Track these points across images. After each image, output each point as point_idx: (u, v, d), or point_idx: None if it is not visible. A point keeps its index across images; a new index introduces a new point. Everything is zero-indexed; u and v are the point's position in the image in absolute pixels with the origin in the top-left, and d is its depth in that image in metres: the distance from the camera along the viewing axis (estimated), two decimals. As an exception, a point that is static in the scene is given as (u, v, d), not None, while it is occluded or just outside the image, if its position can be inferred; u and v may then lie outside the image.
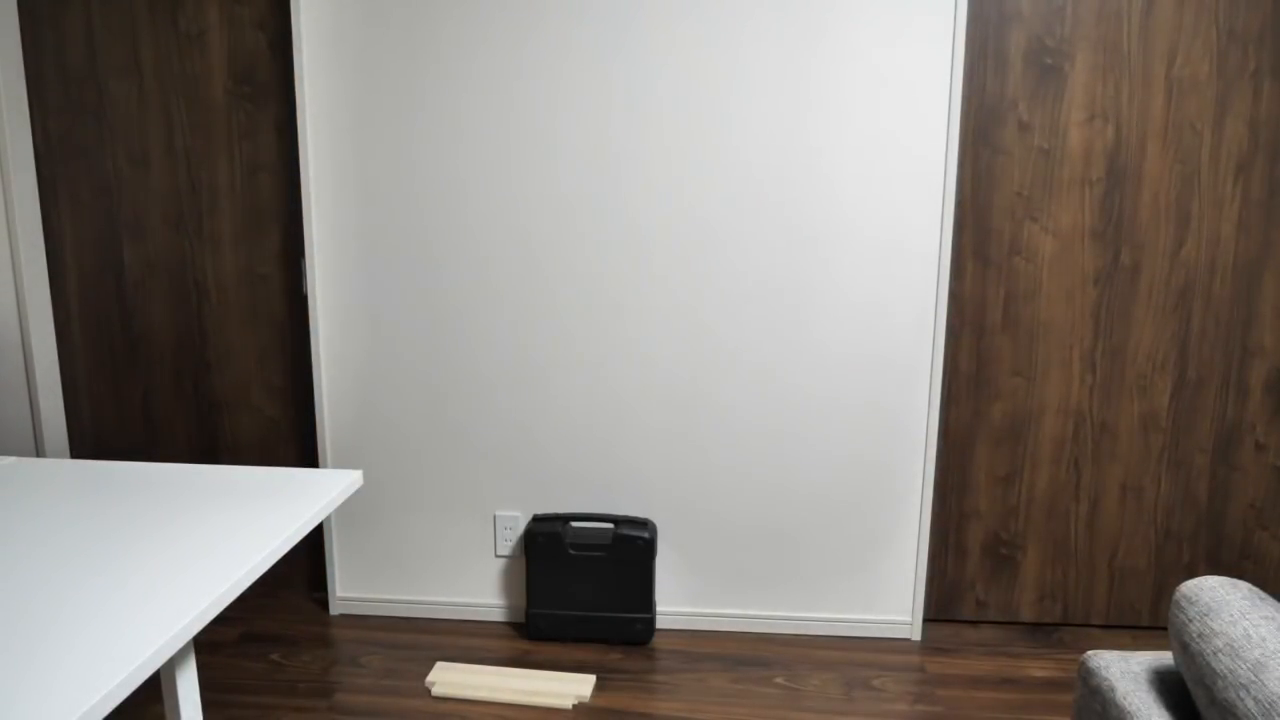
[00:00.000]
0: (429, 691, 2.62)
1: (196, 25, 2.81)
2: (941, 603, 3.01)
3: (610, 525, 2.88)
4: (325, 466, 2.98)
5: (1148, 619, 2.98)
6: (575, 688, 2.61)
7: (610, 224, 2.75)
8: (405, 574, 3.03)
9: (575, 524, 2.90)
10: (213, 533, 1.54)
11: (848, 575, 2.91)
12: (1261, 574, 2.93)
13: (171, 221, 2.94)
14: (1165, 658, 1.60)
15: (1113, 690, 1.53)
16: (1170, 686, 1.51)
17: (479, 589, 3.02)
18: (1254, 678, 1.23)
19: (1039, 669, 2.74)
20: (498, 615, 3.02)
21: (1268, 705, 1.20)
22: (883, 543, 2.88)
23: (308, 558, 3.14)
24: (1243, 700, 1.23)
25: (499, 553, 2.99)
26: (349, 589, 3.06)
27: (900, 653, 2.83)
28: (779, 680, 2.68)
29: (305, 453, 3.05)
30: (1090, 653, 1.64)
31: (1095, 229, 2.74)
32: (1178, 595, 1.45)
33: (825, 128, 2.65)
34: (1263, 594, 1.40)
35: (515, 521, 2.96)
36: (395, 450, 2.95)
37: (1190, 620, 1.39)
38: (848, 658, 2.80)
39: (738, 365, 2.80)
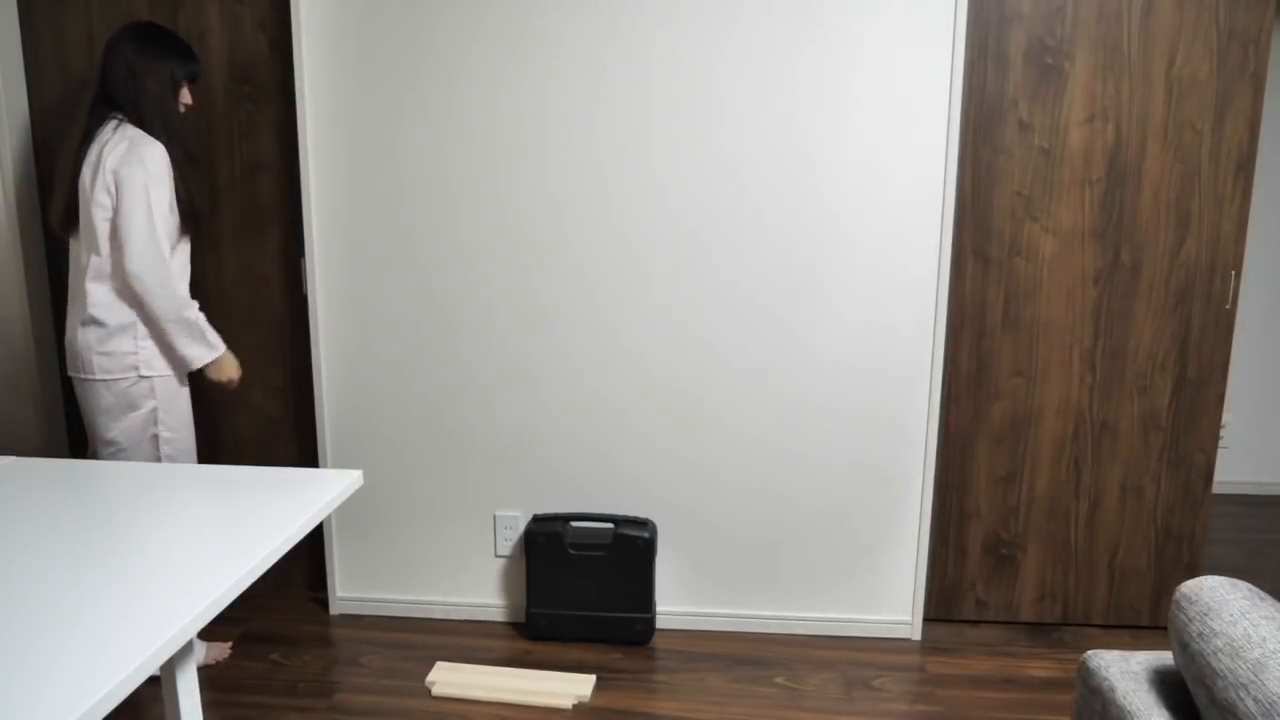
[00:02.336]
0: (429, 691, 2.62)
1: (197, 25, 2.81)
2: (941, 602, 3.01)
3: (610, 525, 2.88)
4: (325, 466, 2.98)
5: (1148, 619, 2.98)
6: (575, 688, 2.61)
7: (611, 224, 2.75)
8: (405, 574, 3.03)
9: (575, 524, 2.90)
10: (213, 532, 1.54)
11: (848, 575, 2.91)
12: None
13: (171, 221, 2.94)
14: (1165, 658, 1.60)
15: (1113, 690, 1.53)
16: (1170, 686, 1.51)
17: (479, 589, 3.02)
18: (1254, 678, 1.23)
19: (1039, 669, 2.74)
20: (498, 615, 3.02)
21: (1268, 705, 1.19)
22: (883, 542, 2.88)
23: (308, 558, 3.14)
24: (1243, 700, 1.23)
25: (499, 553, 2.99)
26: (349, 589, 3.06)
27: (900, 653, 2.83)
28: (779, 680, 2.68)
29: (305, 452, 3.05)
30: (1090, 653, 1.64)
31: (1095, 229, 2.74)
32: (1178, 595, 1.45)
33: (825, 128, 2.65)
34: (1263, 594, 1.40)
35: (515, 521, 2.96)
36: (395, 450, 2.95)
37: (1190, 620, 1.39)
38: (848, 658, 2.80)
39: (737, 365, 2.80)
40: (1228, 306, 2.77)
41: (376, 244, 2.82)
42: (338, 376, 2.91)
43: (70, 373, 2.50)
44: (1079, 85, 2.66)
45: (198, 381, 3.02)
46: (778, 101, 2.65)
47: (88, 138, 2.41)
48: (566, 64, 2.67)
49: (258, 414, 3.04)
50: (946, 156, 2.64)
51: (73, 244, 2.48)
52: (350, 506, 3.01)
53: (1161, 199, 2.71)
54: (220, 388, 2.57)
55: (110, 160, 2.35)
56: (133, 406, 2.47)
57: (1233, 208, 2.71)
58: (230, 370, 2.56)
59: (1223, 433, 4.08)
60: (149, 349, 2.47)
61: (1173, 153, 2.69)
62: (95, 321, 2.42)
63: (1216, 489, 4.12)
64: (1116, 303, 2.78)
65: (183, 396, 2.56)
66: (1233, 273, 2.75)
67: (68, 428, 3.11)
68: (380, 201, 2.80)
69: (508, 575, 3.00)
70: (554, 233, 2.77)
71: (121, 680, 1.12)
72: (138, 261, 2.37)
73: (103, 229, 2.38)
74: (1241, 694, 1.24)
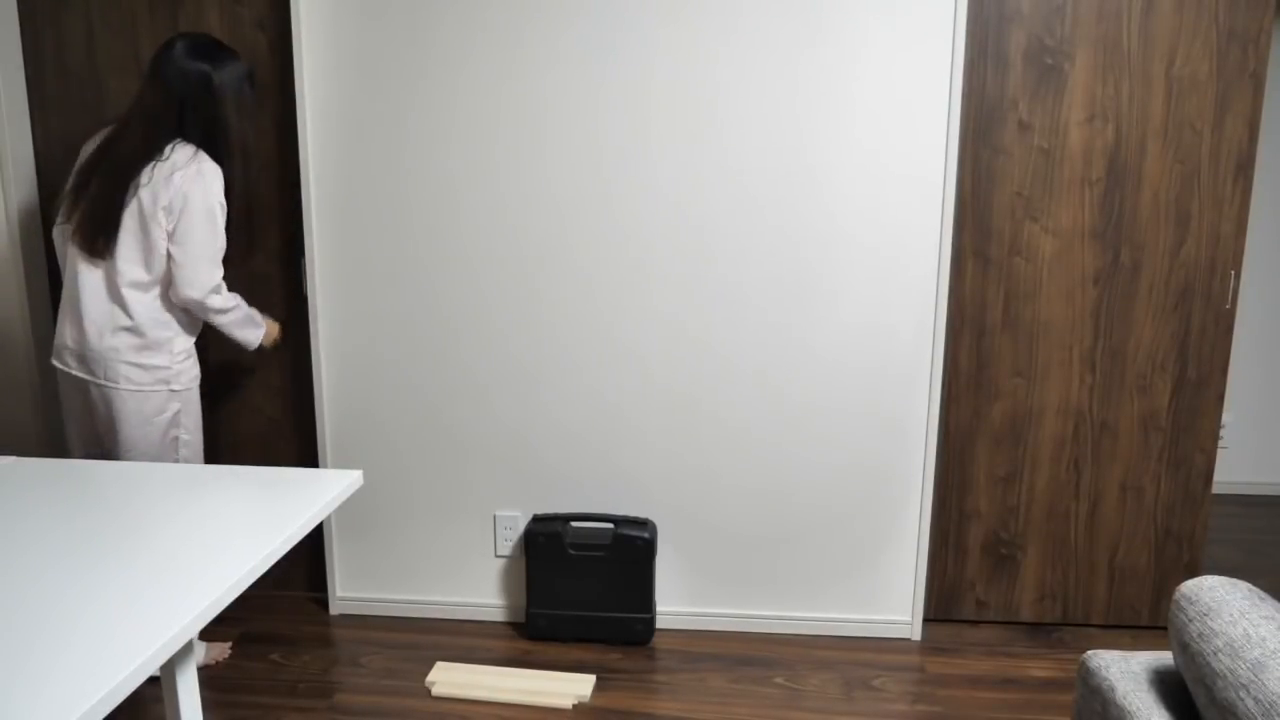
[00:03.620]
0: (429, 691, 2.62)
1: (197, 26, 2.81)
2: (941, 603, 3.01)
3: (610, 525, 2.88)
4: (325, 466, 2.98)
5: (1148, 619, 2.98)
6: (575, 688, 2.61)
7: (611, 225, 2.75)
8: (405, 574, 3.03)
9: (575, 524, 2.90)
10: (212, 532, 1.54)
11: (848, 575, 2.91)
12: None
13: (171, 221, 2.93)
14: (1165, 658, 1.60)
15: (1113, 690, 1.53)
16: (1170, 686, 1.51)
17: (479, 589, 3.02)
18: (1254, 678, 1.23)
19: (1039, 669, 2.74)
20: (498, 615, 3.02)
21: (1268, 705, 1.20)
22: (883, 542, 2.88)
23: (308, 558, 3.14)
24: (1242, 700, 1.23)
25: (499, 553, 2.99)
26: (349, 589, 3.06)
27: (900, 653, 2.83)
28: (779, 680, 2.68)
29: (305, 452, 3.05)
30: (1090, 653, 1.64)
31: (1095, 229, 2.74)
32: (1178, 595, 1.45)
33: (824, 128, 2.65)
34: (1263, 594, 1.40)
35: (515, 521, 2.96)
36: (395, 450, 2.95)
37: (1190, 620, 1.39)
38: (848, 658, 2.80)
39: (737, 365, 2.80)
40: (1227, 306, 2.77)
41: (377, 244, 2.82)
42: (337, 376, 2.91)
43: (80, 374, 2.45)
44: (1079, 85, 2.66)
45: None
46: (777, 101, 2.65)
47: (147, 160, 2.35)
48: (567, 64, 2.67)
49: (258, 414, 3.04)
50: (946, 156, 2.64)
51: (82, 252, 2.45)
52: (350, 506, 3.01)
53: (1161, 199, 2.71)
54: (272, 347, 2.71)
55: (177, 180, 2.34)
56: (158, 412, 2.47)
57: (1233, 208, 2.71)
58: (275, 331, 2.68)
59: (1223, 433, 4.08)
60: (181, 364, 2.49)
61: (1173, 153, 2.69)
62: (133, 331, 2.40)
63: (1216, 489, 4.12)
64: (1116, 303, 2.78)
65: (199, 398, 2.58)
66: (1232, 273, 2.75)
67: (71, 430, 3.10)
68: (380, 201, 2.80)
69: (508, 575, 3.00)
70: (554, 233, 2.77)
71: (121, 680, 1.12)
72: (197, 289, 2.41)
73: (160, 244, 2.37)
74: (1241, 694, 1.24)
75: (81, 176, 2.42)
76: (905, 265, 2.71)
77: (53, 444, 3.04)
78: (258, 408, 3.03)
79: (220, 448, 3.06)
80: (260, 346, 2.65)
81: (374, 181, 2.79)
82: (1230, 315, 2.78)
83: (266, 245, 2.93)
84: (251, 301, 2.97)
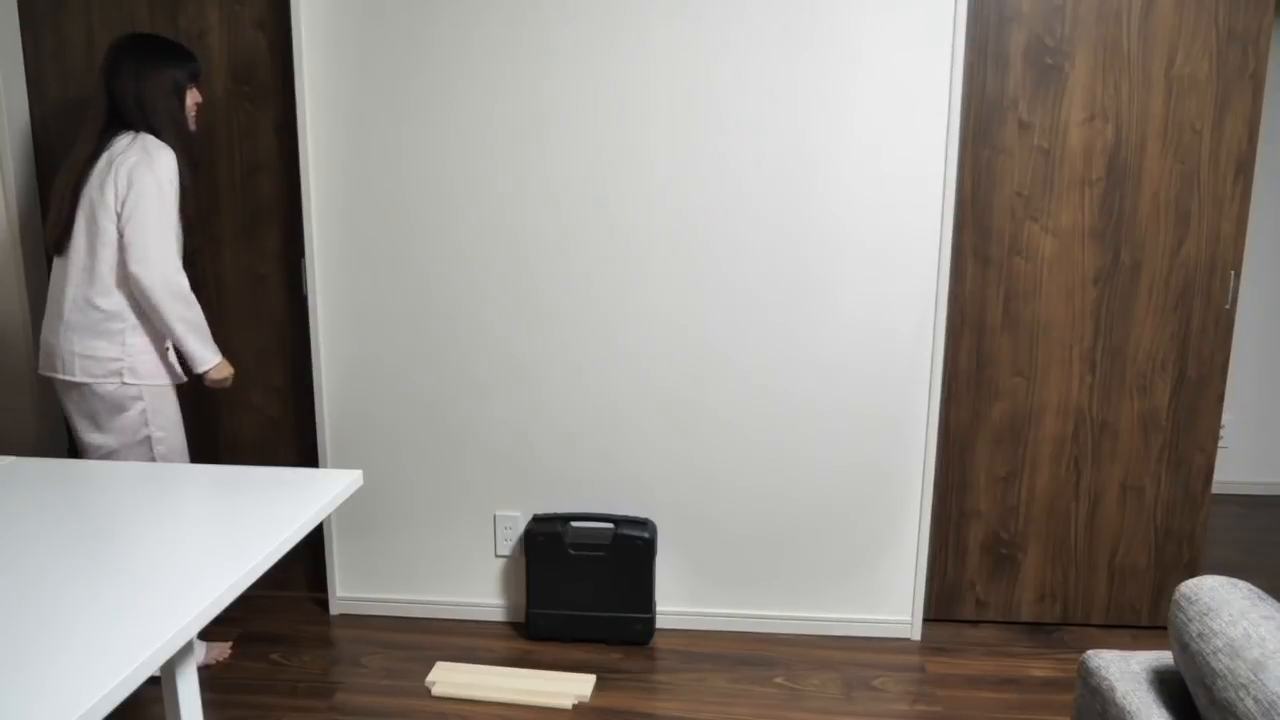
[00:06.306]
0: (429, 691, 2.62)
1: (197, 25, 2.81)
2: (941, 602, 3.01)
3: (610, 525, 2.88)
4: (325, 466, 2.98)
5: (1148, 619, 2.98)
6: (575, 688, 2.61)
7: (611, 224, 2.75)
8: (405, 574, 3.03)
9: (575, 524, 2.90)
10: (212, 532, 1.54)
11: (848, 575, 2.91)
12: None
13: (171, 221, 2.93)
14: (1165, 658, 1.60)
15: (1113, 690, 1.53)
16: (1170, 686, 1.51)
17: (479, 589, 3.02)
18: (1254, 677, 1.23)
19: (1039, 669, 2.74)
20: (498, 615, 3.02)
21: (1268, 705, 1.20)
22: (883, 542, 2.88)
23: (308, 558, 3.14)
24: (1242, 700, 1.23)
25: (499, 553, 2.99)
26: (349, 589, 3.06)
27: (900, 653, 2.83)
28: (779, 680, 2.68)
29: (305, 452, 3.05)
30: (1090, 653, 1.64)
31: (1095, 229, 2.74)
32: (1178, 595, 1.45)
33: (824, 127, 2.65)
34: (1262, 594, 1.40)
35: (515, 521, 2.96)
36: (395, 450, 2.95)
37: (1190, 620, 1.39)
38: (848, 658, 2.80)
39: (737, 364, 2.80)
40: (1228, 306, 2.77)
41: (376, 244, 2.82)
42: (337, 376, 2.91)
43: (45, 372, 2.48)
44: (1079, 85, 2.66)
45: (196, 383, 3.02)
46: (777, 101, 2.65)
47: (96, 155, 2.40)
48: (566, 63, 2.67)
49: (258, 414, 3.04)
50: (946, 156, 2.64)
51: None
52: (350, 506, 3.01)
53: (1161, 199, 2.71)
54: (217, 388, 2.57)
55: (123, 165, 2.36)
56: (121, 408, 2.46)
57: (1233, 208, 2.71)
58: (228, 370, 2.57)
59: (1223, 433, 4.08)
60: (135, 355, 2.45)
61: (1173, 153, 2.69)
62: (83, 322, 2.41)
63: (1216, 489, 4.12)
64: (1116, 303, 2.78)
65: (170, 397, 2.55)
66: (1232, 273, 2.75)
67: (67, 428, 3.11)
68: (380, 202, 2.80)
69: (508, 575, 3.00)
70: (554, 233, 2.77)
71: (121, 680, 1.12)
72: (149, 265, 2.37)
73: (108, 230, 2.38)
74: (1241, 694, 1.24)
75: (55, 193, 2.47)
76: (905, 265, 2.71)
77: (53, 444, 3.04)
78: (258, 408, 3.03)
79: (220, 448, 3.07)
80: (209, 378, 2.53)
81: (374, 181, 2.79)
82: (1230, 315, 2.78)
83: (267, 245, 2.93)
84: (252, 301, 2.97)
